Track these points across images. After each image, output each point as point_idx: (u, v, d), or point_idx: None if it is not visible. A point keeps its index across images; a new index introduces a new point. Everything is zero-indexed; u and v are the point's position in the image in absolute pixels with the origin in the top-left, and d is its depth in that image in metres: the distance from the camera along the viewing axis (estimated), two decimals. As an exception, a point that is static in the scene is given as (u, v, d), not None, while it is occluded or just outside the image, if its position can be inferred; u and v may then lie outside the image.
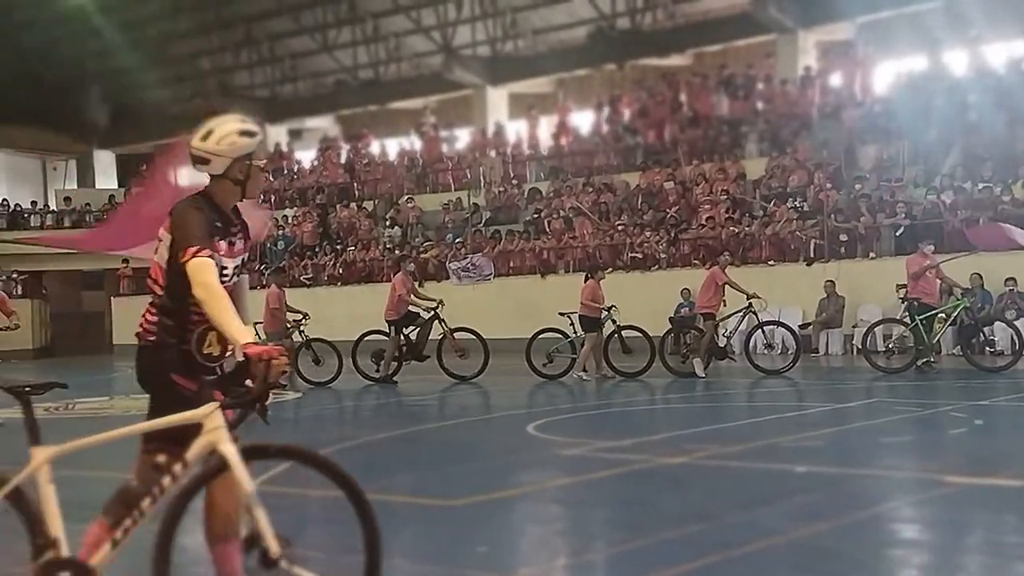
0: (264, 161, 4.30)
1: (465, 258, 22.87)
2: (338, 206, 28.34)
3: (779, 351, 17.09)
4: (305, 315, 16.01)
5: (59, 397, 15.39)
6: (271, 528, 3.76)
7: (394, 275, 17.12)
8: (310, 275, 26.00)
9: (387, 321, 15.87)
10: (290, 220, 28.79)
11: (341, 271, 25.94)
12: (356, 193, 29.23)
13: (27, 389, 4.01)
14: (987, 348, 15.64)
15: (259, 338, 15.91)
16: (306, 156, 33.63)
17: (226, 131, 4.11)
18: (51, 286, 32.78)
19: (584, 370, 15.25)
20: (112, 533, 3.92)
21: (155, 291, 4.16)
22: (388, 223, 26.62)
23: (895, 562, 5.43)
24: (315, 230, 27.82)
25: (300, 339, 15.98)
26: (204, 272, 3.93)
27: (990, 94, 20.49)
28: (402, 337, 15.67)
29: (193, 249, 3.95)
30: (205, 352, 4.14)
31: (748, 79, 25.04)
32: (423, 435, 11.01)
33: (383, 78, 33.89)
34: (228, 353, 4.21)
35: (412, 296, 15.89)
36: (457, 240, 24.30)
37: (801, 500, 6.71)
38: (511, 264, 23.18)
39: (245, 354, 3.82)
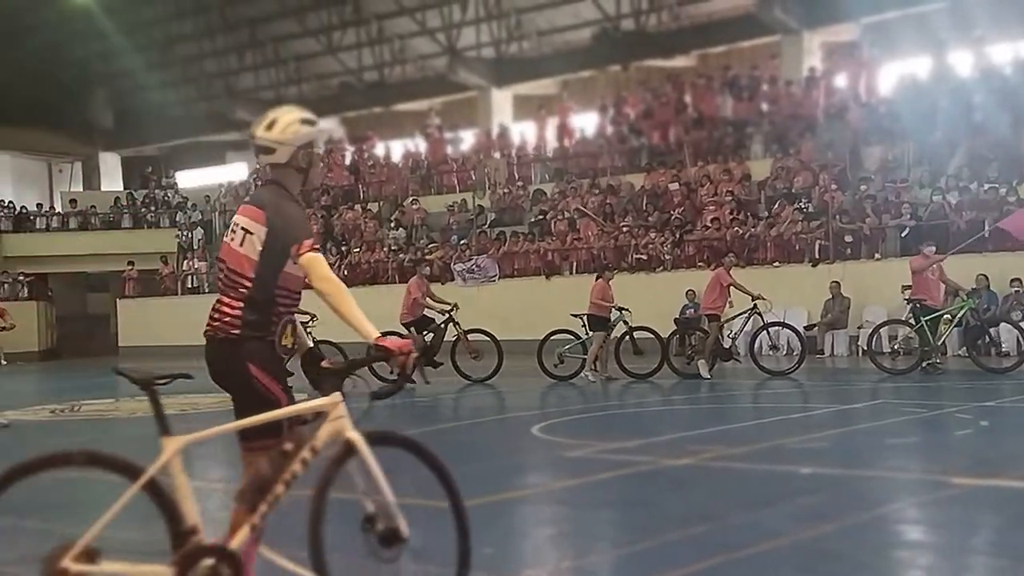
0: (322, 150, 4.35)
1: (470, 260, 22.90)
2: (343, 208, 28.37)
3: (784, 352, 17.07)
4: (313, 316, 15.98)
5: (66, 399, 15.41)
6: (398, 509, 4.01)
7: (409, 278, 17.12)
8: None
9: (403, 324, 15.87)
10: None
11: (346, 273, 25.96)
12: (361, 195, 29.26)
13: (155, 380, 4.16)
14: (993, 349, 15.60)
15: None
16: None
17: (289, 120, 4.22)
18: (57, 288, 32.86)
19: (594, 369, 15.25)
20: (250, 518, 4.04)
21: (241, 284, 4.18)
22: (393, 225, 26.64)
23: (900, 564, 5.43)
24: (319, 232, 27.85)
25: (309, 341, 15.97)
26: (323, 266, 4.10)
27: (995, 95, 20.45)
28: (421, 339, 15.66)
29: (309, 242, 4.08)
30: (282, 344, 4.26)
31: (753, 80, 25.03)
32: (429, 436, 10.98)
33: (388, 80, 33.93)
34: (295, 346, 4.34)
35: (427, 299, 15.89)
36: (462, 242, 24.31)
37: (806, 501, 6.70)
38: (515, 266, 23.18)
39: (384, 348, 4.07)
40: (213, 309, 4.25)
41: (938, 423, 10.25)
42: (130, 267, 30.31)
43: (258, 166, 33.30)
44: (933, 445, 9.21)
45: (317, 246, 4.05)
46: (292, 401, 4.18)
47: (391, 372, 4.09)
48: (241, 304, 4.18)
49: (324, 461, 3.95)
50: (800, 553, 5.48)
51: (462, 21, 31.26)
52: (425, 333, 15.73)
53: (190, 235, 31.01)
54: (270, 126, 4.21)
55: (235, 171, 36.81)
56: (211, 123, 36.42)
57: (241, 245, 4.20)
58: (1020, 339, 14.87)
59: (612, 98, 27.82)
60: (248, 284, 4.19)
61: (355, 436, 4.04)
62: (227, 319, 4.19)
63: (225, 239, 4.31)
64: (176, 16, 35.22)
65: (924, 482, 7.40)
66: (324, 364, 4.23)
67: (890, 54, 24.47)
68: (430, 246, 24.77)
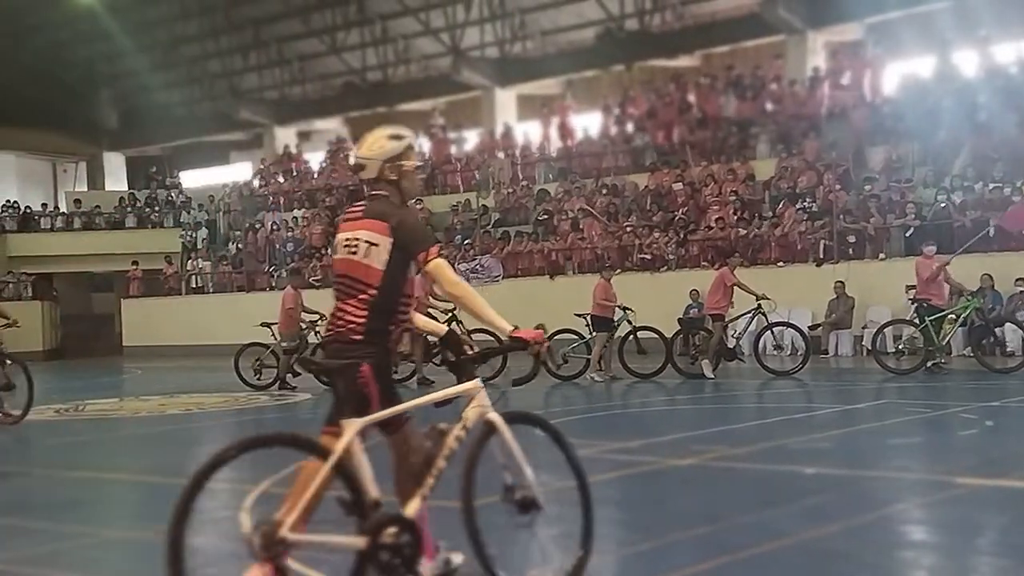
0: (418, 163, 4.78)
1: (474, 259, 22.91)
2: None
3: (788, 352, 17.06)
4: (321, 316, 16.00)
5: (70, 399, 15.44)
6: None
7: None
8: (319, 276, 26.04)
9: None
10: (299, 222, 28.83)
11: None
12: (365, 195, 29.27)
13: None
14: (998, 349, 15.56)
15: (274, 338, 15.95)
16: (315, 158, 33.70)
17: (376, 136, 4.67)
18: (61, 288, 32.91)
19: (599, 369, 15.24)
20: (420, 490, 4.51)
21: (365, 292, 4.50)
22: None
23: (904, 564, 5.42)
24: (324, 231, 27.87)
25: (316, 340, 15.96)
26: (449, 270, 4.50)
27: (1000, 94, 20.41)
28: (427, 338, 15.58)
29: (435, 249, 4.50)
30: (398, 351, 4.72)
31: (757, 80, 25.00)
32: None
33: (391, 80, 33.93)
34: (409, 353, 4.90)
35: (430, 299, 15.89)
36: (466, 241, 24.32)
37: (810, 502, 6.70)
38: (519, 265, 23.18)
39: (520, 339, 4.48)
40: (334, 314, 4.57)
41: (943, 423, 10.24)
42: (134, 267, 30.34)
43: (261, 166, 33.35)
44: (938, 445, 9.20)
45: (443, 252, 4.45)
46: (391, 405, 4.53)
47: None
48: (366, 311, 4.49)
49: (468, 442, 4.48)
50: (804, 553, 5.48)
51: (466, 21, 31.26)
52: (427, 334, 15.69)
53: (194, 235, 31.05)
54: (361, 145, 4.67)
55: (239, 171, 36.85)
56: (215, 123, 36.45)
57: (365, 256, 4.51)
58: (1024, 339, 14.84)
59: (616, 98, 27.81)
60: (373, 292, 4.49)
61: (495, 417, 4.52)
62: (351, 324, 4.50)
63: (339, 252, 4.62)
64: (181, 16, 35.24)
65: (929, 482, 7.39)
66: (467, 353, 4.67)
67: (894, 54, 24.42)
68: (434, 246, 24.80)
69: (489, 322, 4.53)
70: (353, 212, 4.74)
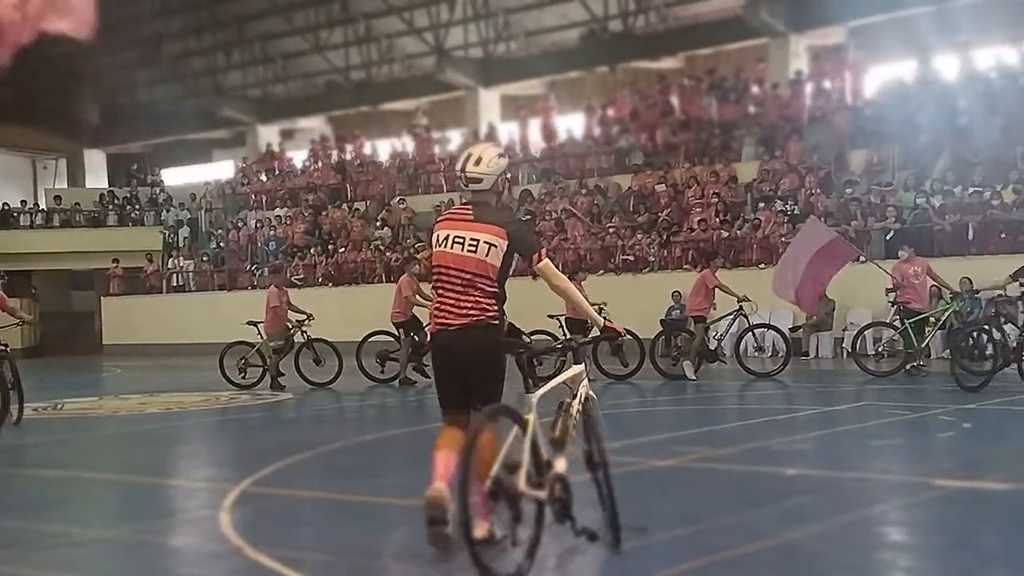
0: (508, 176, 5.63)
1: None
2: (331, 207, 28.31)
3: (769, 354, 17.12)
4: (309, 316, 15.92)
5: (49, 397, 15.34)
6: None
7: (398, 277, 17.08)
8: (302, 275, 25.98)
9: (394, 323, 15.82)
10: (282, 220, 28.75)
11: (332, 272, 25.92)
12: (348, 194, 29.21)
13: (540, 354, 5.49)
14: (981, 352, 15.60)
15: (261, 338, 15.88)
16: (298, 156, 33.60)
17: (491, 155, 5.45)
18: (40, 286, 32.67)
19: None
20: (563, 452, 5.14)
21: (489, 286, 5.32)
22: (379, 224, 26.60)
23: (883, 565, 5.45)
24: (307, 230, 27.80)
25: (302, 339, 15.89)
26: (554, 268, 5.51)
27: (980, 99, 20.57)
28: (414, 338, 15.59)
29: (543, 251, 5.47)
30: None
31: (740, 83, 25.10)
32: (416, 436, 10.99)
33: (375, 79, 33.87)
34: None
35: (418, 298, 15.85)
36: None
37: (790, 503, 6.73)
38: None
39: (613, 330, 5.61)
40: (458, 303, 5.29)
41: (921, 425, 10.31)
42: (115, 265, 30.17)
43: (244, 165, 33.21)
44: (916, 447, 9.26)
45: (549, 254, 5.49)
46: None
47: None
48: (493, 300, 5.31)
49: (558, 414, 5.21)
50: (785, 555, 5.50)
51: (450, 21, 31.24)
52: (414, 334, 15.68)
53: (176, 233, 30.89)
54: (477, 162, 5.37)
55: (221, 169, 36.69)
56: (197, 121, 36.27)
57: (487, 255, 5.30)
58: (1006, 343, 14.84)
59: (600, 99, 27.85)
60: (495, 285, 5.34)
61: (592, 393, 5.43)
62: (488, 312, 5.30)
63: (452, 248, 5.33)
64: (163, 13, 35.07)
65: (907, 484, 7.43)
66: (580, 340, 5.82)
67: (876, 58, 24.58)
68: (417, 244, 24.77)
69: (587, 314, 5.73)
70: (462, 214, 5.43)
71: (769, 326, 16.39)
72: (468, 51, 31.63)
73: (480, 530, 4.91)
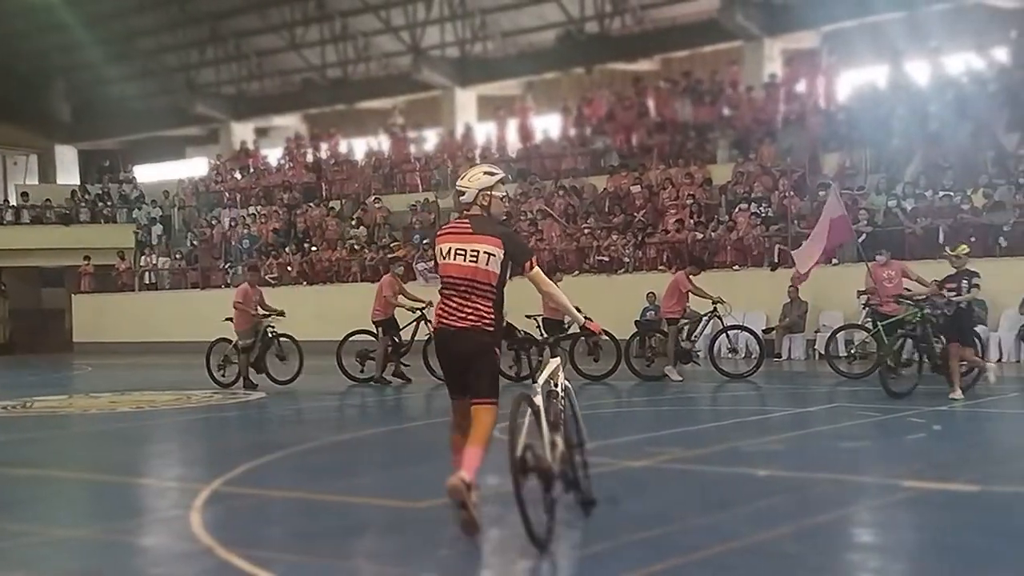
0: (503, 194, 6.18)
1: (431, 259, 22.86)
2: (310, 205, 28.17)
3: (743, 355, 17.21)
4: (280, 312, 15.79)
5: (18, 395, 15.18)
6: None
7: (373, 276, 17.04)
8: (275, 274, 25.85)
9: (373, 322, 15.79)
10: (257, 219, 28.59)
11: (307, 270, 25.82)
12: (323, 193, 29.10)
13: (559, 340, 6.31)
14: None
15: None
16: (272, 154, 33.43)
17: (475, 172, 6.14)
18: (10, 283, 32.33)
19: None
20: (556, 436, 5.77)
21: (490, 292, 5.93)
22: (355, 223, 26.52)
23: (852, 566, 5.50)
24: (275, 228, 27.67)
25: (272, 332, 15.72)
26: (543, 275, 6.15)
27: (951, 104, 20.78)
28: (390, 338, 15.57)
29: (534, 259, 6.15)
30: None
31: (715, 85, 25.23)
32: (389, 436, 10.98)
33: (351, 78, 33.76)
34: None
35: (399, 298, 15.80)
36: (424, 241, 24.28)
37: (762, 504, 6.77)
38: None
39: (590, 329, 6.34)
40: (460, 308, 5.92)
41: (892, 427, 10.39)
42: (86, 262, 29.89)
43: (217, 162, 32.99)
44: (886, 449, 9.34)
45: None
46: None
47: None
48: (491, 305, 5.92)
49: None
50: (756, 555, 5.54)
51: (426, 20, 31.18)
52: (392, 335, 15.65)
53: (149, 231, 30.65)
54: (464, 176, 6.12)
55: (195, 166, 36.44)
56: (171, 118, 36.01)
57: (487, 264, 5.90)
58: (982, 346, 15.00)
59: (575, 100, 27.91)
60: (495, 292, 5.93)
61: (568, 384, 6.07)
62: (485, 318, 5.92)
63: (454, 258, 5.94)
64: (136, 9, 34.78)
65: (877, 486, 7.50)
66: (562, 336, 6.72)
67: (849, 62, 24.78)
68: (392, 244, 24.72)
69: (572, 315, 6.28)
70: (461, 228, 6.04)
71: (743, 328, 16.48)
72: (445, 51, 31.59)
73: (466, 475, 5.77)
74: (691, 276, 15.32)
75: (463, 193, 6.05)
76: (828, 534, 6.02)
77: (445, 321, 5.99)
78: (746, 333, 16.60)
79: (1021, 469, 8.09)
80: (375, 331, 15.81)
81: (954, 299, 11.90)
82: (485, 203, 6.04)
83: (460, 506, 5.64)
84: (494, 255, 5.91)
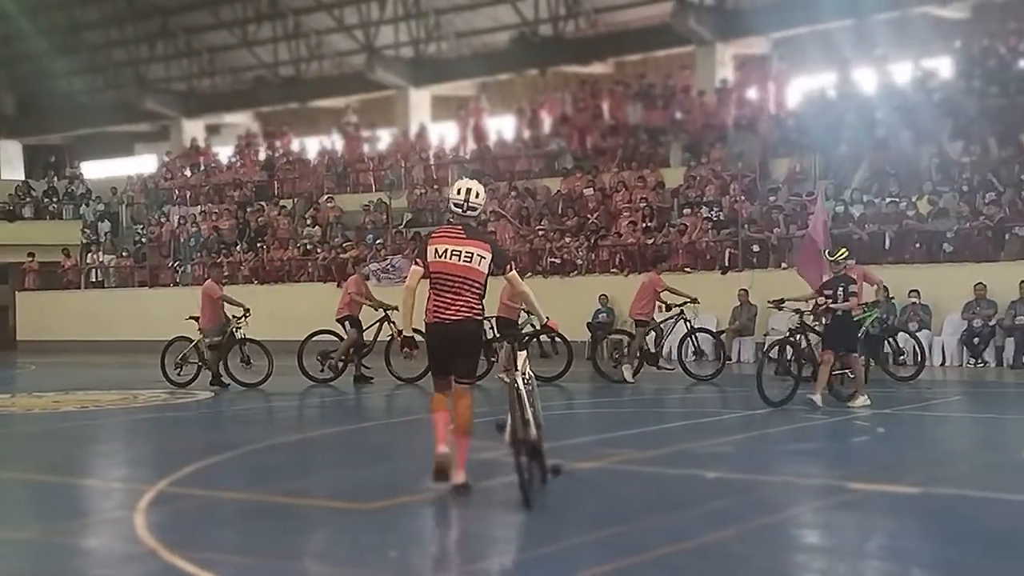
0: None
1: (385, 259, 22.77)
2: (265, 204, 27.86)
3: (700, 358, 17.16)
4: (246, 310, 15.52)
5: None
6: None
7: (328, 276, 16.89)
8: (227, 273, 25.54)
9: (337, 319, 15.70)
10: (209, 216, 28.22)
11: (259, 269, 25.55)
12: (275, 191, 28.82)
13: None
14: (896, 357, 16.00)
15: (200, 333, 15.44)
16: (224, 152, 33.04)
17: (477, 189, 7.17)
18: (-49, 279, 31.58)
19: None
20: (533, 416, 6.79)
21: (477, 288, 6.98)
22: (309, 222, 26.29)
23: (797, 567, 5.57)
24: (233, 227, 27.35)
25: (241, 335, 15.43)
26: (519, 277, 7.34)
27: (897, 112, 21.13)
28: (357, 331, 15.47)
29: (513, 263, 7.35)
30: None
31: (667, 89, 25.41)
32: (341, 437, 10.91)
33: (304, 76, 33.49)
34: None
35: (363, 298, 15.68)
36: (377, 241, 24.15)
37: (711, 505, 6.83)
38: (430, 267, 23.09)
39: (549, 327, 7.42)
40: (454, 302, 6.92)
41: (839, 430, 10.55)
42: (30, 259, 29.32)
43: (167, 159, 32.57)
44: (833, 451, 9.47)
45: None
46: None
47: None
48: (479, 299, 7.00)
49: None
50: (703, 556, 5.59)
51: (380, 19, 31.03)
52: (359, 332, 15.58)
53: (96, 228, 30.13)
54: (476, 195, 7.10)
55: (144, 163, 35.90)
56: (119, 113, 35.40)
57: (479, 264, 6.95)
58: (916, 349, 15.27)
59: (529, 102, 27.96)
60: (481, 288, 7.00)
61: (531, 372, 7.12)
62: (475, 310, 6.99)
63: (451, 258, 6.93)
64: (84, 2, 34.21)
65: (823, 487, 7.60)
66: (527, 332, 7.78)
67: (799, 68, 25.12)
68: (344, 244, 24.55)
69: (537, 313, 7.32)
70: (455, 233, 7.02)
71: (704, 330, 16.59)
72: (399, 50, 31.47)
73: (459, 477, 6.87)
74: (662, 274, 15.38)
75: (474, 208, 7.09)
76: (775, 535, 6.10)
77: (441, 316, 6.94)
78: (707, 335, 16.74)
79: (962, 472, 8.25)
80: (340, 329, 15.69)
81: (832, 306, 11.42)
82: (485, 218, 7.19)
83: (441, 479, 6.88)
84: (484, 257, 6.97)
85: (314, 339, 16.07)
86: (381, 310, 15.56)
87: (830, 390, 11.82)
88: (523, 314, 15.47)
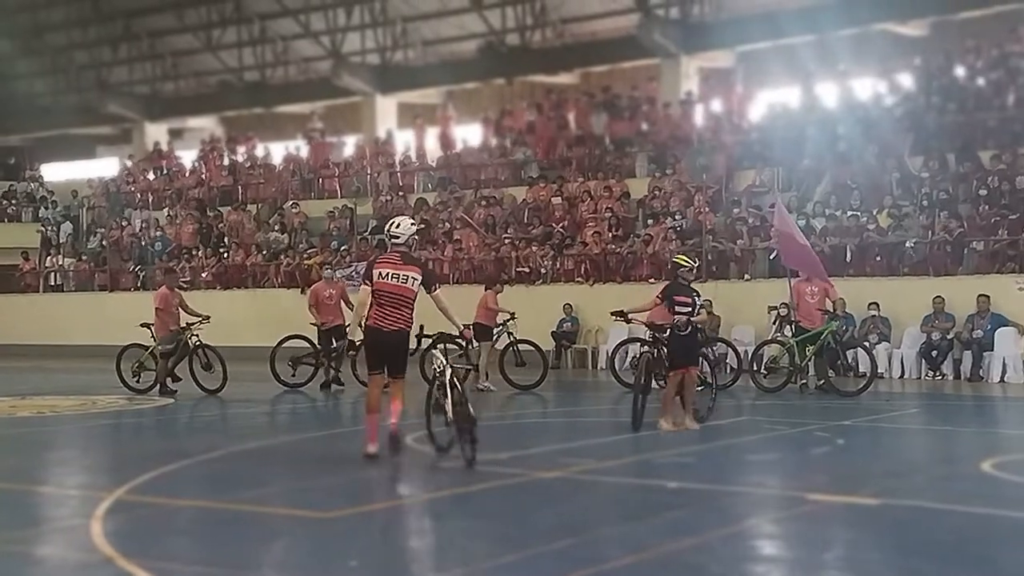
0: (416, 236, 9.54)
1: (350, 266, 22.66)
2: (228, 209, 27.62)
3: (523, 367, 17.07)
4: (205, 318, 15.36)
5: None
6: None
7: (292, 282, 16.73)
8: (188, 278, 25.30)
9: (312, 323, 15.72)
10: (174, 220, 27.95)
11: (221, 274, 25.33)
12: (239, 196, 28.60)
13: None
14: (850, 371, 16.19)
15: (153, 340, 15.25)
16: (187, 156, 32.75)
17: (405, 222, 9.16)
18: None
19: (487, 379, 15.31)
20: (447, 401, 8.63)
21: (411, 304, 8.79)
22: (277, 228, 26.09)
23: (757, 577, 5.61)
24: (196, 232, 27.10)
25: (196, 342, 15.25)
26: (442, 295, 8.94)
27: (858, 126, 21.39)
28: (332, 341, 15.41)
29: (438, 284, 9.08)
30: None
31: (632, 100, 25.56)
32: (303, 444, 10.83)
33: (269, 81, 33.32)
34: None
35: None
36: (342, 247, 24.04)
37: (671, 516, 6.87)
38: (395, 274, 23.04)
39: (464, 334, 9.34)
40: (393, 316, 8.74)
41: (798, 441, 10.64)
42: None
43: (129, 162, 32.21)
44: (792, 462, 9.55)
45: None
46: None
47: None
48: (411, 312, 8.81)
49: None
50: (662, 567, 5.61)
51: (347, 26, 30.97)
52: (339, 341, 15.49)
53: (56, 231, 29.73)
54: (398, 226, 9.00)
55: (105, 166, 35.50)
56: (81, 116, 35.02)
57: (413, 285, 8.76)
58: (872, 362, 15.33)
59: (496, 110, 28.01)
60: (412, 303, 8.81)
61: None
62: (408, 321, 8.80)
63: (391, 280, 8.74)
64: (46, 4, 33.81)
65: (782, 498, 7.66)
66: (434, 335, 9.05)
67: (763, 82, 25.39)
68: (309, 251, 24.42)
69: (454, 321, 8.89)
70: (394, 259, 8.83)
71: (528, 341, 16.52)
72: (365, 57, 31.41)
73: (372, 448, 8.78)
74: (497, 294, 15.59)
75: (398, 238, 8.88)
76: (734, 545, 6.14)
77: (382, 323, 8.75)
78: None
79: (919, 483, 8.36)
80: (312, 335, 15.64)
81: (694, 319, 10.59)
82: (411, 244, 9.02)
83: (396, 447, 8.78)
84: (417, 279, 8.77)
85: (284, 345, 16.00)
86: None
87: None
88: (499, 319, 15.62)
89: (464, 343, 9.82)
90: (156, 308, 15.16)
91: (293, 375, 15.53)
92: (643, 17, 25.92)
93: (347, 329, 15.13)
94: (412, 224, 9.13)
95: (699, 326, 11.06)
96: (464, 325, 9.29)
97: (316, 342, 15.56)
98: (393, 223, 9.04)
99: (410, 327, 8.78)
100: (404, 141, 28.98)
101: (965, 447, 10.61)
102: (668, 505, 7.22)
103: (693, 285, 11.19)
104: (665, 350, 10.81)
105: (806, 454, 9.94)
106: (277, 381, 15.47)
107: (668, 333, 10.65)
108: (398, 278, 8.70)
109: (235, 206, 27.57)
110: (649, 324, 11.60)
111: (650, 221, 21.40)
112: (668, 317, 10.82)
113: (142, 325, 15.33)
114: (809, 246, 15.51)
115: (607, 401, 14.90)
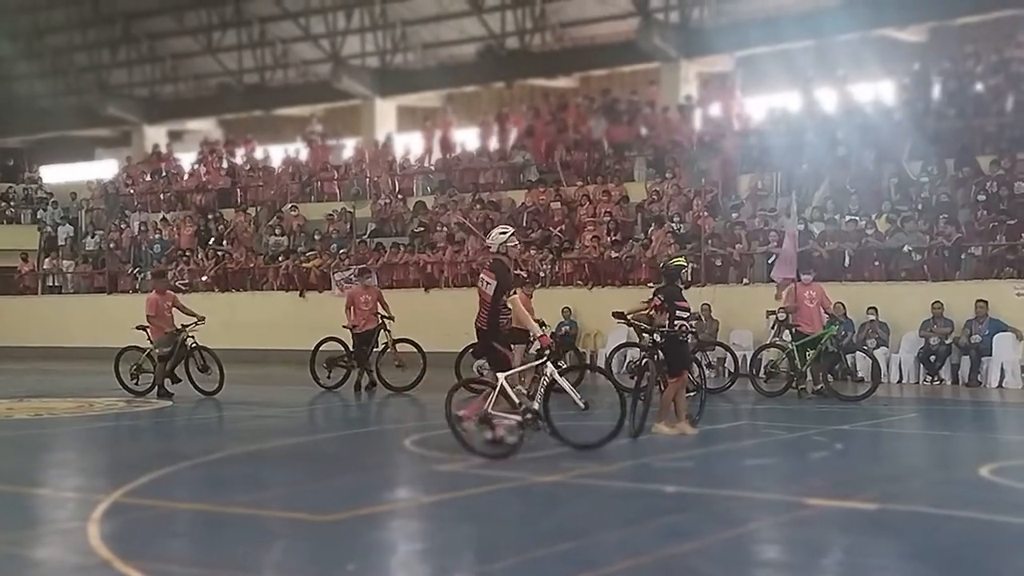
0: (513, 244, 10.07)
1: (348, 268, 22.65)
2: (232, 211, 27.61)
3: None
4: (200, 319, 15.33)
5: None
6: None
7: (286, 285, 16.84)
8: (186, 280, 25.29)
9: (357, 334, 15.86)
10: (172, 222, 27.93)
11: (220, 277, 25.32)
12: (239, 199, 28.60)
13: None
14: (848, 376, 16.19)
15: (150, 343, 15.25)
16: (186, 158, 32.74)
17: (495, 232, 10.06)
18: None
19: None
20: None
21: (485, 303, 9.58)
22: (277, 231, 26.09)
23: (756, 581, 5.61)
24: (195, 234, 27.10)
25: (193, 344, 15.22)
26: (517, 299, 9.86)
27: (857, 131, 21.41)
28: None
29: (512, 291, 9.81)
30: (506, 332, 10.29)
31: (632, 105, 25.58)
32: (302, 448, 10.82)
33: (269, 84, 33.32)
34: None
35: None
36: (341, 251, 24.04)
37: (669, 520, 6.86)
38: (395, 277, 23.02)
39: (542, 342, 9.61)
40: (479, 316, 9.68)
41: (797, 445, 10.64)
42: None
43: (128, 165, 32.22)
44: (791, 467, 9.55)
45: (516, 292, 10.15)
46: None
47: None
48: (488, 314, 9.59)
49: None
50: (661, 571, 5.61)
51: (347, 29, 30.99)
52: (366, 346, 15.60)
53: (55, 232, 29.72)
54: (489, 235, 10.10)
55: (104, 168, 35.49)
56: (80, 118, 35.01)
57: (487, 289, 9.54)
58: (873, 367, 15.33)
59: (495, 114, 28.02)
60: (489, 305, 9.57)
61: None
62: (483, 321, 9.59)
63: (480, 284, 9.78)
64: (46, 6, 33.81)
65: (781, 503, 7.66)
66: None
67: (761, 87, 25.41)
68: (308, 254, 24.42)
69: (529, 326, 9.90)
70: (487, 264, 10.04)
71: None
72: (365, 60, 31.42)
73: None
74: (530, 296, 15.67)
75: (491, 247, 9.95)
76: (733, 550, 6.13)
77: (477, 322, 9.74)
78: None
79: (917, 488, 8.35)
80: (347, 337, 15.76)
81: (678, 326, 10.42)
82: (503, 251, 9.76)
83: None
84: (491, 283, 9.57)
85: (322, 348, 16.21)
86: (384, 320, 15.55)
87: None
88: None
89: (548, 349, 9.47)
90: (147, 315, 15.14)
91: (328, 376, 15.64)
92: (642, 21, 25.93)
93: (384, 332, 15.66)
94: (501, 232, 9.75)
95: (693, 330, 11.12)
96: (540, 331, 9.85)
97: (350, 345, 15.68)
98: (490, 232, 10.30)
99: (487, 326, 9.57)
100: (404, 144, 28.99)
101: (963, 452, 10.62)
102: (667, 509, 7.22)
103: (683, 289, 11.06)
104: (663, 355, 10.71)
105: (805, 458, 9.94)
106: (315, 383, 15.62)
107: (666, 339, 10.57)
108: (481, 282, 9.72)
109: (237, 208, 27.58)
110: (647, 323, 11.44)
111: (652, 225, 21.40)
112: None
113: (138, 328, 15.32)
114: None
115: (605, 405, 14.88)
